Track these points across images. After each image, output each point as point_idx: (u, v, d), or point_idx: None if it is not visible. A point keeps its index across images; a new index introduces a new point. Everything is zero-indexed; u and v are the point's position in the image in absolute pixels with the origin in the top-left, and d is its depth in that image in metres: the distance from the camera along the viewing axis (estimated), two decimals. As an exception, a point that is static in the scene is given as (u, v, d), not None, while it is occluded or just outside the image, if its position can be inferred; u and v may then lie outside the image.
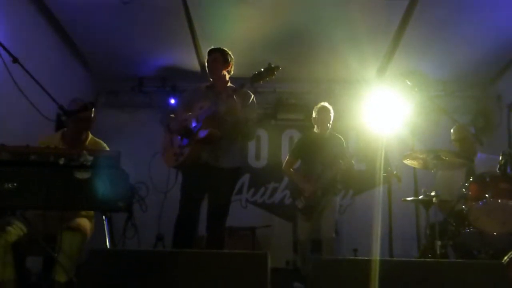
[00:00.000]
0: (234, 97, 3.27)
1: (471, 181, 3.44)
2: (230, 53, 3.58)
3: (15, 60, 2.55)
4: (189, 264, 2.27)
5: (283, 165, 4.57)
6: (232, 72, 3.63)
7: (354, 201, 6.06)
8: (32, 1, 4.59)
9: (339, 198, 4.57)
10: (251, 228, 5.37)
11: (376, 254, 4.09)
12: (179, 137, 3.41)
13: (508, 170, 3.38)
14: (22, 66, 2.55)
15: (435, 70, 5.82)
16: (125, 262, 2.28)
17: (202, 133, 3.28)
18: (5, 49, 2.55)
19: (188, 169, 3.43)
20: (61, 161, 2.40)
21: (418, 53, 5.42)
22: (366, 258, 2.36)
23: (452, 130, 4.20)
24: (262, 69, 3.25)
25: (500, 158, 3.38)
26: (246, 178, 6.18)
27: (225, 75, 3.55)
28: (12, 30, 4.01)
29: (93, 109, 3.17)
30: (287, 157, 4.61)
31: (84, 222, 2.94)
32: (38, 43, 4.71)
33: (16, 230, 2.74)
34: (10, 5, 4.22)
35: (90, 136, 3.30)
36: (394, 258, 3.63)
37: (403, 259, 2.81)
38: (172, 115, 3.51)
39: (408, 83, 3.99)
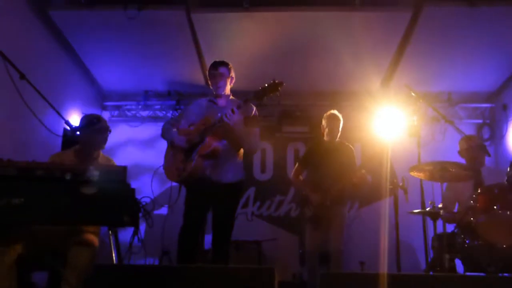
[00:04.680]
0: (238, 111, 3.27)
1: (479, 192, 3.41)
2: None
3: (22, 76, 2.57)
4: (195, 279, 2.25)
5: (292, 174, 4.54)
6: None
7: (360, 213, 6.01)
8: (39, 18, 4.66)
9: (346, 209, 4.53)
10: (257, 241, 5.34)
11: (384, 267, 4.04)
12: (182, 151, 3.39)
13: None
14: (29, 82, 2.57)
15: (440, 81, 5.82)
16: (131, 277, 2.27)
17: (206, 149, 3.27)
18: (12, 65, 2.57)
19: (192, 183, 3.41)
20: (67, 176, 2.40)
21: (423, 63, 5.42)
22: (375, 272, 2.34)
23: (459, 141, 4.18)
24: (266, 85, 3.24)
25: (508, 169, 3.35)
26: (251, 191, 6.16)
27: (228, 89, 3.57)
28: (19, 46, 4.05)
29: (106, 126, 3.20)
30: (296, 165, 4.57)
31: (93, 237, 2.93)
32: (45, 59, 4.77)
33: (21, 245, 2.73)
34: (17, 21, 4.28)
35: (101, 153, 3.32)
36: (402, 273, 3.60)
37: (412, 273, 2.78)
38: (175, 129, 3.49)
39: (413, 94, 3.98)
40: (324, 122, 4.42)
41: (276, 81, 3.23)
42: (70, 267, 2.62)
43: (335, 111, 4.44)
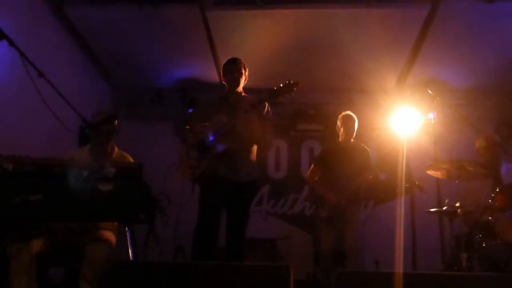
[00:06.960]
0: (251, 109, 3.27)
1: (498, 191, 3.36)
2: None
3: (40, 74, 2.59)
4: (210, 276, 2.26)
5: (307, 174, 4.56)
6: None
7: (375, 212, 5.97)
8: (55, 16, 4.71)
9: (361, 208, 4.51)
10: (271, 239, 5.34)
11: (399, 266, 4.00)
12: (195, 149, 3.40)
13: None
14: (47, 80, 2.59)
15: (456, 79, 5.74)
16: (147, 273, 2.28)
17: (220, 147, 3.28)
18: (30, 63, 2.60)
19: (205, 182, 3.42)
20: (84, 173, 2.42)
21: (439, 61, 5.36)
22: (390, 271, 2.32)
23: (476, 139, 4.12)
24: (282, 85, 3.23)
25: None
26: (266, 189, 6.15)
27: (241, 86, 3.57)
28: (37, 44, 4.10)
29: (115, 121, 3.21)
30: (311, 166, 4.59)
31: (110, 233, 2.96)
32: (61, 57, 4.83)
33: (39, 241, 2.77)
34: (34, 20, 4.33)
35: (116, 149, 3.34)
36: (418, 271, 3.56)
37: (428, 272, 2.75)
38: (188, 127, 3.49)
39: (430, 92, 3.94)
40: (339, 123, 4.42)
41: (292, 81, 3.22)
42: (87, 263, 2.65)
43: (349, 112, 4.43)
